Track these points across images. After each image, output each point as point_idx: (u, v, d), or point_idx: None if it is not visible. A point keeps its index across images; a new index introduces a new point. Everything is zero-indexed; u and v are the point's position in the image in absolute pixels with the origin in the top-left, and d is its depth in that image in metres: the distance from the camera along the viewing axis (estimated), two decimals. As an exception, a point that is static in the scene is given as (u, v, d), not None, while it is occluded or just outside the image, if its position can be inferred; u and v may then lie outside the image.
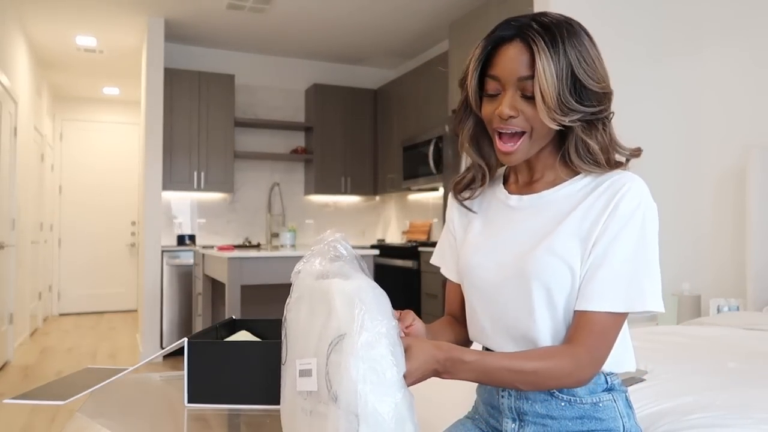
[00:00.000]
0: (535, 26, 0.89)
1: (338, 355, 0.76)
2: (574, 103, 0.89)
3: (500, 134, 0.94)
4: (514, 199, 1.01)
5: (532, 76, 0.89)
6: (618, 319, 0.89)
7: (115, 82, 6.80)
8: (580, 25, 0.93)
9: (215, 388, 1.26)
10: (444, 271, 1.14)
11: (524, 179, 1.03)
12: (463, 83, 0.99)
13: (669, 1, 3.39)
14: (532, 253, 0.92)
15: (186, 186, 5.33)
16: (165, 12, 4.74)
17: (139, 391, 1.47)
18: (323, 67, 6.17)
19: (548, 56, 0.87)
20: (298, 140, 6.05)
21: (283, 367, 0.88)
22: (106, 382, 1.33)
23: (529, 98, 0.90)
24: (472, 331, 1.06)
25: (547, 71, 0.87)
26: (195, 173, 5.34)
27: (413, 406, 0.80)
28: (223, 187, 5.49)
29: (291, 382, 0.84)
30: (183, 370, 1.28)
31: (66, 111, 7.49)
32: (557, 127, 0.91)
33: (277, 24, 5.03)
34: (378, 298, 0.81)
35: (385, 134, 5.89)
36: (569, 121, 0.90)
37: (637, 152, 0.97)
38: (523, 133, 0.93)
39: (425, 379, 0.85)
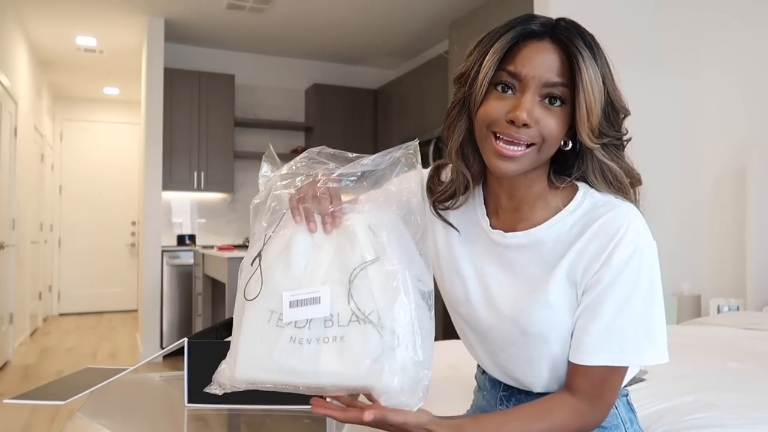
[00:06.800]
0: (571, 28, 0.79)
1: (363, 281, 0.78)
2: (605, 124, 0.80)
3: (497, 137, 0.81)
4: (497, 234, 0.89)
5: (563, 84, 0.78)
6: (617, 370, 0.83)
7: (115, 82, 6.80)
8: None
9: (215, 388, 1.26)
10: None
11: (508, 205, 0.89)
12: (466, 79, 0.84)
13: (668, 5, 3.39)
14: (529, 309, 0.85)
15: (186, 186, 5.33)
16: (165, 12, 4.74)
17: (139, 391, 1.47)
18: (323, 67, 6.17)
19: (593, 64, 0.77)
20: (298, 140, 6.05)
21: (250, 302, 0.84)
22: (106, 382, 1.33)
23: (550, 107, 0.80)
24: (471, 354, 1.03)
25: (594, 81, 0.77)
26: (195, 173, 5.33)
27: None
28: (223, 187, 5.49)
29: (264, 316, 0.82)
30: (183, 370, 1.28)
31: (66, 111, 7.48)
32: (568, 148, 0.84)
33: (277, 24, 5.03)
34: (392, 220, 0.83)
35: (385, 134, 5.88)
36: (599, 143, 0.81)
37: (638, 179, 0.87)
38: (530, 144, 0.80)
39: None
